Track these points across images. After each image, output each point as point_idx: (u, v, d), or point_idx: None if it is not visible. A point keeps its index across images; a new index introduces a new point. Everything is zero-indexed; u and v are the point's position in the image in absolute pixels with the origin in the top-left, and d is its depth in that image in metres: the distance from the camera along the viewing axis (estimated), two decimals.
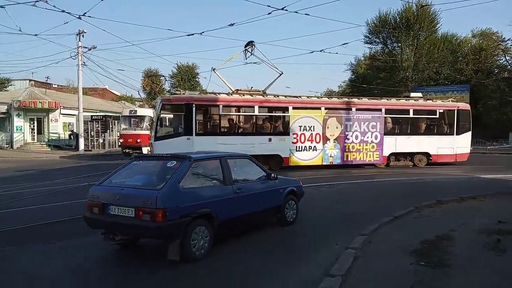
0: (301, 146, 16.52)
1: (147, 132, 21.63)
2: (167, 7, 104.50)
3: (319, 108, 16.84)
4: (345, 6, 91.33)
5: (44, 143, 33.71)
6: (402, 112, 18.33)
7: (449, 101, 20.01)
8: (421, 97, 19.07)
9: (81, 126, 28.68)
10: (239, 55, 18.27)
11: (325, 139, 16.84)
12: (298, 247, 6.03)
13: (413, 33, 39.58)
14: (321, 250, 5.77)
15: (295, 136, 16.40)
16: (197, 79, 53.75)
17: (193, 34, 17.39)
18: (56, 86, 55.38)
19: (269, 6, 14.26)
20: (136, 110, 25.48)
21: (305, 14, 27.80)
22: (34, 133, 34.67)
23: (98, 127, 31.74)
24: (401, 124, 18.56)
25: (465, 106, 19.59)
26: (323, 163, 16.88)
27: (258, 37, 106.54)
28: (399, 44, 41.65)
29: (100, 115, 33.07)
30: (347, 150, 17.17)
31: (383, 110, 17.69)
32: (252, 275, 4.85)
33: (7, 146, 32.97)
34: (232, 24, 17.46)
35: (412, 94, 18.92)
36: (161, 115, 15.48)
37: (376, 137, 17.54)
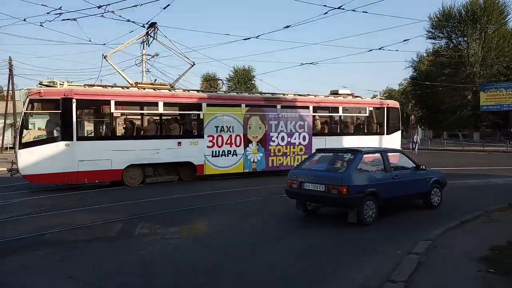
0: (219, 151, 13.70)
1: None
2: (224, 13, 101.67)
3: (239, 105, 14.15)
4: (405, 2, 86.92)
5: None
6: (331, 110, 16.63)
7: (378, 98, 18.73)
8: (350, 94, 17.62)
9: None
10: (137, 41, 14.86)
11: (247, 142, 14.23)
12: (357, 252, 5.78)
13: (480, 26, 37.31)
14: (382, 254, 5.54)
15: (210, 139, 13.54)
16: (253, 82, 54.18)
17: (249, 38, 17.66)
18: None
19: (325, 5, 14.15)
20: None
21: (363, 11, 25.83)
22: None
23: None
24: (330, 124, 16.91)
25: (395, 103, 18.50)
26: (245, 170, 14.24)
27: (314, 38, 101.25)
28: (465, 38, 39.26)
29: None
30: (272, 154, 14.73)
31: (311, 107, 15.62)
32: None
33: None
34: (287, 26, 15.95)
35: (341, 91, 17.59)
36: (29, 115, 11.55)
37: (304, 138, 15.40)
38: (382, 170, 7.52)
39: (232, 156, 13.93)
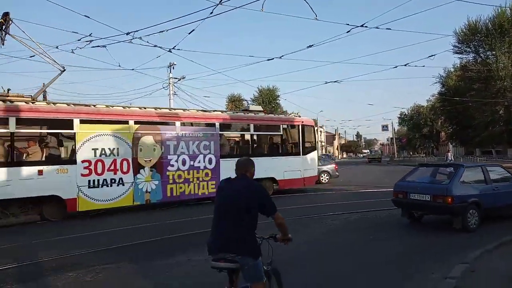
0: (98, 180, 10.71)
1: None
2: (248, 36, 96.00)
3: (126, 122, 11.38)
4: (428, 18, 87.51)
5: None
6: (241, 128, 14.59)
7: (292, 115, 17.11)
8: (261, 111, 15.97)
9: None
10: None
11: (138, 167, 11.44)
12: (387, 276, 5.35)
13: (508, 39, 36.07)
14: (415, 279, 5.16)
15: (86, 164, 10.53)
16: (277, 101, 54.13)
17: (273, 59, 17.35)
18: None
19: (347, 24, 14.52)
20: None
21: (387, 28, 24.88)
22: None
23: None
24: (240, 144, 14.83)
25: (309, 121, 17.05)
26: (135, 203, 11.36)
27: (338, 56, 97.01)
28: (493, 52, 37.70)
29: None
30: (171, 181, 12.05)
31: (218, 125, 13.33)
32: None
33: None
34: (310, 46, 15.55)
35: (252, 107, 15.84)
36: None
37: (210, 161, 12.98)
38: (483, 182, 8.31)
39: (118, 186, 11.00)
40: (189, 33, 14.82)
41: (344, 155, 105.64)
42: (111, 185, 10.88)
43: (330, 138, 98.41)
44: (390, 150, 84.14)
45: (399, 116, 68.60)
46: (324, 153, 64.94)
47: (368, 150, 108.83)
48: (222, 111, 14.35)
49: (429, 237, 7.59)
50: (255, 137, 14.77)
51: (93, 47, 13.86)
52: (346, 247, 7.00)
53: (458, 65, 45.33)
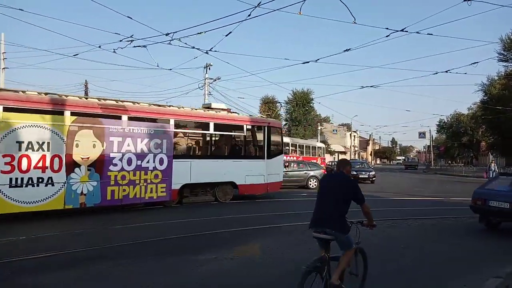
0: (22, 179, 9.22)
1: None
2: (284, 39, 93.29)
3: (61, 113, 9.90)
4: (472, 24, 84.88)
5: None
6: (200, 126, 13.40)
7: (259, 116, 16.22)
8: (225, 109, 14.77)
9: None
10: None
11: (73, 165, 9.99)
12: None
13: None
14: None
15: (8, 160, 9.02)
16: (311, 104, 53.21)
17: (308, 62, 17.99)
18: None
19: (387, 28, 13.92)
20: None
21: (428, 34, 23.53)
22: None
23: None
24: (198, 144, 13.83)
25: (276, 123, 16.09)
26: (67, 206, 9.89)
27: (375, 61, 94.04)
28: None
29: None
30: (113, 182, 10.64)
31: (172, 122, 12.00)
32: None
33: None
34: (347, 50, 15.48)
35: (214, 105, 14.66)
36: None
37: (161, 162, 11.63)
38: None
39: (46, 186, 9.53)
40: (226, 35, 14.60)
41: (378, 161, 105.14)
42: (37, 185, 9.40)
43: (364, 144, 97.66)
44: (426, 158, 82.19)
45: (437, 123, 66.68)
46: (354, 158, 63.10)
47: (403, 157, 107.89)
48: (178, 107, 13.01)
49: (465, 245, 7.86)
50: (215, 137, 13.67)
51: (134, 47, 14.47)
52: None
53: (503, 73, 43.38)
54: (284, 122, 55.35)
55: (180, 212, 11.42)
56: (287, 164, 20.85)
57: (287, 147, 28.04)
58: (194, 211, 11.61)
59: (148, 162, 11.35)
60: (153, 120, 11.78)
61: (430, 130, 69.35)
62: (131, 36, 14.48)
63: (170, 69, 44.30)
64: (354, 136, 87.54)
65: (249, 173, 13.93)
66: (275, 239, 7.90)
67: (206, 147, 13.69)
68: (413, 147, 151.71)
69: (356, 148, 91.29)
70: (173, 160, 11.88)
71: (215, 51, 16.84)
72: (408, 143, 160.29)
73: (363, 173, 25.47)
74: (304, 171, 20.20)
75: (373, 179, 25.34)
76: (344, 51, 16.07)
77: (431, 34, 20.66)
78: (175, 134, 12.35)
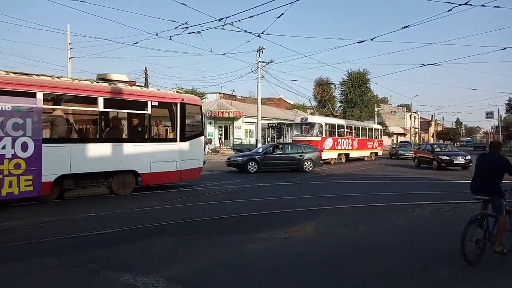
0: None
1: (317, 138, 24.45)
2: (338, 18, 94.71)
3: None
4: None
5: (230, 147, 38.81)
6: (85, 102, 10.94)
7: (175, 91, 13.45)
8: (126, 82, 11.98)
9: (259, 132, 31.06)
10: None
11: None
12: None
13: None
14: None
15: None
16: (367, 85, 51.77)
17: (363, 41, 16.93)
18: (240, 97, 59.18)
19: (449, 2, 13.41)
20: (307, 118, 26.61)
21: (494, 6, 23.50)
22: (222, 138, 39.80)
23: (274, 133, 36.29)
24: (82, 124, 11.84)
25: (193, 99, 13.59)
26: None
27: (436, 37, 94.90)
28: None
29: (275, 123, 37.63)
30: None
31: (40, 95, 9.37)
32: None
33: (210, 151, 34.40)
34: (406, 26, 15.09)
35: (112, 76, 11.71)
36: None
37: (24, 147, 9.01)
38: None
39: None
40: (278, 17, 15.16)
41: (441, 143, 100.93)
42: None
43: (425, 125, 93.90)
44: (494, 139, 78.23)
45: (506, 102, 62.13)
46: (403, 140, 59.82)
47: (468, 138, 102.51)
48: (52, 76, 10.20)
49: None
50: (106, 116, 11.00)
51: (189, 33, 14.88)
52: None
53: None
54: (339, 104, 54.05)
55: (229, 194, 11.75)
56: (281, 146, 20.35)
57: (342, 129, 27.47)
58: (247, 193, 11.88)
59: (3, 148, 8.68)
60: (10, 93, 8.87)
61: (498, 110, 64.03)
62: (185, 23, 14.91)
63: (224, 54, 45.04)
64: (415, 117, 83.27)
65: (156, 159, 11.73)
66: (327, 220, 7.83)
67: (93, 128, 11.12)
68: (480, 128, 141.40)
69: (417, 130, 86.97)
70: (43, 145, 9.31)
71: (267, 34, 16.89)
72: (474, 123, 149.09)
73: (459, 158, 20.97)
74: (299, 154, 19.56)
75: (469, 165, 20.43)
76: (403, 28, 15.24)
77: (498, 7, 18.94)
78: (46, 112, 9.90)
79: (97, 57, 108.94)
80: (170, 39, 16.48)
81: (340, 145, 26.79)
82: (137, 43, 50.86)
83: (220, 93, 55.50)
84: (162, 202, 9.80)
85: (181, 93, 13.41)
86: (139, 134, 11.90)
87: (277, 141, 34.97)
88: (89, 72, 46.97)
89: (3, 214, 8.33)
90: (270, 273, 4.76)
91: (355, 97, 50.66)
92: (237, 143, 40.06)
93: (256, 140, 33.36)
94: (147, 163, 11.55)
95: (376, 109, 52.83)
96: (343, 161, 27.09)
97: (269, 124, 37.11)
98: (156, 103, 11.93)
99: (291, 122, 32.73)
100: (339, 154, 26.83)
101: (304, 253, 5.55)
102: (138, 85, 12.39)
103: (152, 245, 5.99)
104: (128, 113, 11.62)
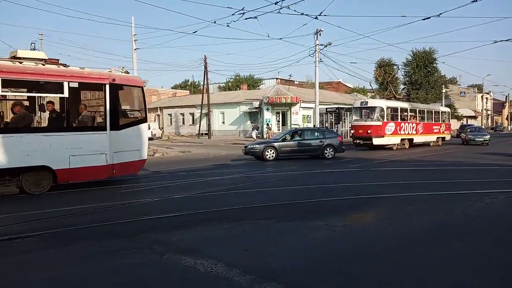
0: None
1: (378, 123, 23.41)
2: None
3: None
4: None
5: None
6: None
7: (113, 71, 11.26)
8: (42, 60, 9.92)
9: (317, 118, 30.71)
10: None
11: None
12: None
13: None
14: None
15: None
16: (434, 65, 49.06)
17: (429, 18, 16.18)
18: (297, 82, 59.28)
19: None
20: (367, 101, 26.13)
21: None
22: (279, 124, 40.25)
23: (332, 118, 35.36)
24: None
25: (130, 79, 11.49)
26: None
27: (509, 10, 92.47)
28: None
29: (334, 108, 36.54)
30: None
31: None
32: None
33: (259, 135, 37.98)
34: (475, 0, 14.30)
35: (27, 54, 10.02)
36: None
37: None
38: None
39: None
40: None
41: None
42: None
43: (499, 106, 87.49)
44: None
45: None
46: (472, 123, 56.81)
47: None
48: None
49: None
50: (5, 101, 9.78)
51: (245, 19, 15.32)
52: None
53: None
54: (402, 86, 51.49)
55: (290, 180, 11.69)
56: (300, 132, 19.25)
57: (405, 113, 26.16)
58: (301, 180, 11.76)
59: None
60: None
61: None
62: (242, 9, 15.04)
63: (280, 39, 45.00)
64: (487, 98, 76.95)
65: (78, 152, 9.80)
66: (388, 208, 7.54)
67: None
68: None
69: (489, 112, 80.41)
70: None
71: (325, 15, 16.22)
72: None
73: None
74: (319, 140, 18.51)
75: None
76: (472, 1, 14.03)
77: None
78: None
79: (159, 47, 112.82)
80: (228, 26, 16.72)
81: (403, 130, 25.56)
82: (196, 31, 52.08)
83: (277, 78, 55.34)
84: (216, 189, 10.00)
85: (122, 72, 11.35)
86: (52, 122, 10.07)
87: (336, 126, 34.20)
88: (153, 62, 49.26)
89: (72, 197, 9.18)
90: (332, 261, 4.71)
91: (420, 78, 47.95)
92: None
93: (314, 126, 32.96)
94: (64, 157, 9.59)
95: (443, 91, 49.58)
96: (407, 147, 25.84)
97: (327, 109, 36.42)
98: (76, 85, 9.87)
99: (350, 106, 32.02)
100: (402, 140, 25.60)
101: (364, 242, 5.40)
102: (61, 64, 10.05)
103: (211, 230, 6.14)
104: (37, 96, 10.19)
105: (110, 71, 11.07)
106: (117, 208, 7.95)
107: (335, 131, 32.23)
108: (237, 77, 62.92)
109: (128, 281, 4.22)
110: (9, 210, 7.82)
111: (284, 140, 18.43)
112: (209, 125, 39.80)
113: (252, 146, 18.13)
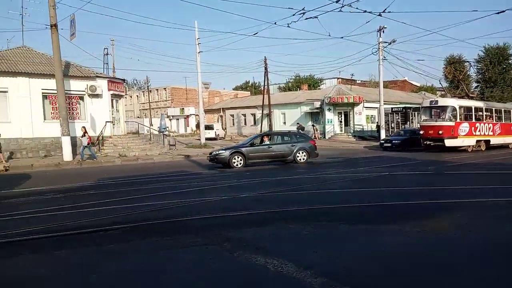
0: None
1: (451, 123, 22.18)
2: None
3: None
4: None
5: (350, 134, 38.47)
6: None
7: None
8: None
9: (382, 118, 30.49)
10: None
11: None
12: None
13: None
14: None
15: None
16: (510, 61, 46.36)
17: (503, 11, 15.69)
18: (359, 82, 59.13)
19: None
20: (437, 100, 25.07)
21: None
22: (341, 125, 39.86)
23: (398, 118, 34.06)
24: None
25: None
26: None
27: None
28: None
29: (400, 107, 35.41)
30: None
31: None
32: None
33: (321, 136, 38.08)
34: None
35: None
36: None
37: None
38: None
39: None
40: None
41: None
42: None
43: None
44: None
45: None
46: None
47: None
48: None
49: None
50: None
51: (306, 19, 15.30)
52: None
53: None
54: (475, 84, 48.02)
55: (349, 182, 11.37)
56: (269, 136, 18.02)
57: (480, 113, 24.30)
58: (370, 182, 11.37)
59: None
60: None
61: None
62: (302, 9, 14.88)
63: (342, 37, 43.97)
64: None
65: None
66: (466, 214, 7.02)
67: None
68: None
69: None
70: None
71: (389, 12, 15.58)
72: None
73: None
74: (291, 144, 17.30)
75: None
76: None
77: None
78: None
79: (221, 50, 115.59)
80: (288, 26, 16.69)
81: (479, 131, 23.77)
82: (256, 33, 52.63)
83: (338, 78, 54.22)
84: (286, 189, 10.00)
85: None
86: None
87: (403, 127, 32.71)
88: (215, 64, 50.55)
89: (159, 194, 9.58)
90: (407, 268, 4.48)
91: (495, 76, 44.32)
92: (358, 129, 39.00)
93: (378, 126, 31.80)
94: None
95: None
96: (483, 149, 23.97)
97: (393, 109, 35.22)
98: None
99: (417, 105, 30.76)
100: (477, 141, 23.82)
101: (442, 250, 5.07)
102: None
103: (278, 229, 6.16)
104: None
105: None
106: (191, 205, 8.26)
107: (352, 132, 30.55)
108: (297, 77, 62.64)
109: (199, 276, 4.33)
110: (89, 204, 8.47)
111: (252, 145, 17.07)
112: (270, 126, 40.04)
113: (217, 152, 16.75)
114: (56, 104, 21.49)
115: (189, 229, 6.28)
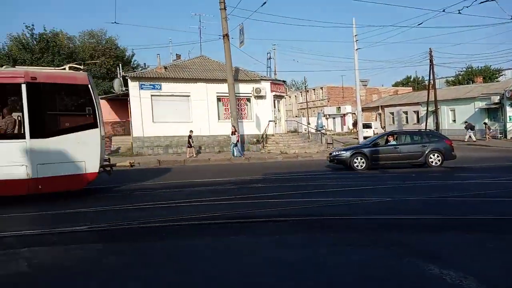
0: None
1: None
2: None
3: None
4: None
5: None
6: None
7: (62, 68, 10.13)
8: None
9: None
10: None
11: None
12: None
13: None
14: None
15: None
16: None
17: None
18: None
19: None
20: None
21: None
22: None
23: None
24: None
25: (64, 76, 9.56)
26: None
27: None
28: None
29: None
30: None
31: None
32: None
33: (501, 136, 34.02)
34: None
35: None
36: None
37: None
38: None
39: None
40: None
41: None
42: None
43: None
44: None
45: None
46: None
47: None
48: None
49: None
50: None
51: (480, 3, 14.16)
52: None
53: None
54: None
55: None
56: (395, 136, 15.62)
57: None
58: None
59: None
60: None
61: None
62: None
63: None
64: None
65: None
66: None
67: None
68: None
69: None
70: None
71: None
72: None
73: None
74: (421, 144, 15.01)
75: None
76: None
77: None
78: None
79: (380, 44, 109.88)
80: (459, 12, 14.99)
81: None
82: (421, 23, 48.68)
83: None
84: (458, 194, 9.08)
85: (65, 69, 9.97)
86: None
87: None
88: (373, 61, 48.47)
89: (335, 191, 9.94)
90: None
91: None
92: None
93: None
94: None
95: None
96: None
97: None
98: None
99: None
100: None
101: None
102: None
103: (459, 238, 5.67)
104: None
105: (66, 68, 10.12)
106: (355, 204, 8.27)
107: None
108: (469, 69, 55.34)
109: (368, 275, 4.29)
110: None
111: (376, 145, 15.38)
112: (437, 123, 36.45)
113: (337, 153, 15.79)
114: (228, 106, 24.33)
115: (354, 228, 6.32)
